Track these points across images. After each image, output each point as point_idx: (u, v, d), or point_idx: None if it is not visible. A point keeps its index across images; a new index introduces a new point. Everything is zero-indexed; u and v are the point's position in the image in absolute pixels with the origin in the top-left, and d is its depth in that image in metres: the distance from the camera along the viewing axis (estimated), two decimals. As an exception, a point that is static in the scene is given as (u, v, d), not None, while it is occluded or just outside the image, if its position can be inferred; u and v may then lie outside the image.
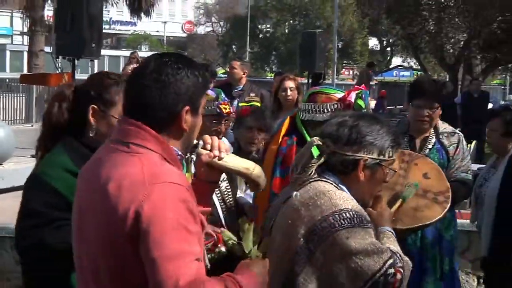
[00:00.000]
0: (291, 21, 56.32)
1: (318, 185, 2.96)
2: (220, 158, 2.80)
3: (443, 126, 5.42)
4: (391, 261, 2.82)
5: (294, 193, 3.00)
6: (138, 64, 13.28)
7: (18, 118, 21.74)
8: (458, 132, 5.48)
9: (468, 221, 6.59)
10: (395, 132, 3.19)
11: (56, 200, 3.04)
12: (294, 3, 55.69)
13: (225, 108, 4.89)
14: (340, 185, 3.01)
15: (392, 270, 2.81)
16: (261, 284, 2.59)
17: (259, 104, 8.54)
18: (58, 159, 3.16)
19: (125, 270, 2.42)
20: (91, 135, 3.23)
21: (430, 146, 5.25)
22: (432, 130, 5.33)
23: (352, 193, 3.01)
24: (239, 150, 5.34)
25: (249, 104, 8.00)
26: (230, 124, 5.50)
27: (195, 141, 2.83)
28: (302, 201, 2.95)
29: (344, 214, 2.84)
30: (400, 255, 2.92)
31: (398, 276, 2.83)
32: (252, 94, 9.03)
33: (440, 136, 5.34)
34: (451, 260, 5.34)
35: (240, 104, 7.80)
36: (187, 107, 2.52)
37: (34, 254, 3.06)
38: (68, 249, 2.79)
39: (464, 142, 5.39)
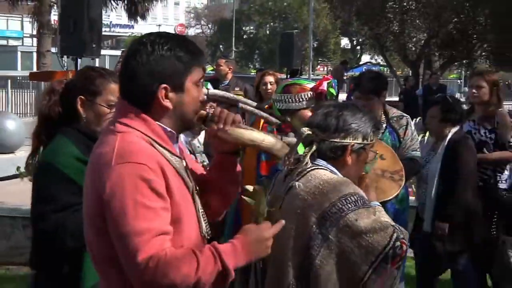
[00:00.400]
0: (271, 23, 56.35)
1: (319, 174, 2.94)
2: (223, 130, 2.61)
3: (392, 111, 5.40)
4: (395, 234, 2.81)
5: (296, 183, 2.94)
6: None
7: (28, 111, 21.61)
8: (406, 115, 5.44)
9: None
10: (374, 118, 3.18)
11: (70, 186, 3.01)
12: (274, 8, 55.90)
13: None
14: (330, 168, 2.99)
15: (398, 243, 2.80)
16: (256, 250, 2.43)
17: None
18: (66, 148, 3.12)
19: (106, 246, 2.35)
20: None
21: (382, 130, 5.18)
22: (383, 116, 5.30)
23: (342, 175, 3.01)
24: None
25: None
26: None
27: (202, 112, 2.64)
28: (307, 190, 2.91)
29: (349, 198, 2.83)
30: (399, 227, 2.90)
31: (404, 247, 2.82)
32: (236, 88, 9.05)
33: (391, 121, 5.31)
34: (404, 227, 5.35)
35: None
36: (163, 85, 2.40)
37: (53, 235, 3.01)
38: (81, 230, 2.79)
39: (412, 124, 5.36)
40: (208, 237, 2.58)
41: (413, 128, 5.37)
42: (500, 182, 5.90)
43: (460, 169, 5.39)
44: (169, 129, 2.46)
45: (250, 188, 2.72)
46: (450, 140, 5.49)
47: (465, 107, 6.54)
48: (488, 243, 5.78)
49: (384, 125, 5.26)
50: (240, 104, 3.28)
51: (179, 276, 2.23)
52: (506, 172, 5.95)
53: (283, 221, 2.53)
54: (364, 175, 3.26)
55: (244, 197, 2.68)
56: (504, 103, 6.31)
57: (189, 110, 2.51)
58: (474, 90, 5.86)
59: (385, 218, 2.94)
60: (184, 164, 2.53)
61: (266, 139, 2.84)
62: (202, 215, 2.55)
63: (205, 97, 2.85)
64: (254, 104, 3.08)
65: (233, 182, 2.80)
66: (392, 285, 2.85)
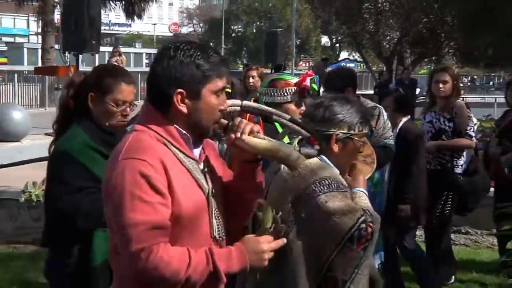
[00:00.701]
0: (258, 23, 56.38)
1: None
2: (240, 140, 2.49)
3: (366, 103, 5.35)
4: (363, 217, 2.78)
5: (282, 166, 2.94)
6: (119, 57, 13.01)
7: (33, 103, 21.45)
8: (379, 106, 5.44)
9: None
10: (364, 110, 3.14)
11: (82, 171, 2.98)
12: (260, 8, 56.14)
13: None
14: (321, 155, 2.98)
15: (364, 225, 2.77)
16: (251, 260, 2.35)
17: (229, 90, 8.57)
18: (80, 137, 3.06)
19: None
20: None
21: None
22: None
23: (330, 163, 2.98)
24: None
25: None
26: None
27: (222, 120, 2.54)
28: (289, 172, 2.91)
29: (323, 181, 2.81)
30: (370, 212, 2.87)
31: (369, 229, 2.79)
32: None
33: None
34: (380, 208, 5.35)
35: None
36: (179, 90, 2.32)
37: (67, 215, 2.98)
38: (92, 212, 2.78)
39: (384, 114, 5.33)
40: (221, 240, 2.49)
41: (385, 118, 5.35)
42: (456, 166, 5.96)
43: (413, 155, 5.46)
44: (184, 132, 2.38)
45: (261, 201, 2.67)
46: (401, 128, 5.56)
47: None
48: (442, 223, 5.90)
49: None
50: (274, 116, 3.22)
51: (169, 271, 2.20)
52: (463, 158, 6.01)
53: (284, 239, 2.46)
54: (355, 163, 3.21)
55: (255, 210, 2.58)
56: (469, 96, 6.40)
57: (204, 117, 2.41)
58: (440, 85, 5.89)
59: (362, 202, 2.93)
60: (202, 167, 2.45)
61: (282, 149, 2.78)
62: (216, 217, 2.46)
63: (238, 108, 2.95)
64: (288, 117, 3.01)
65: (254, 190, 2.66)
66: (358, 265, 2.83)
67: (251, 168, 2.63)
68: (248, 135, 2.53)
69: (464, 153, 6.07)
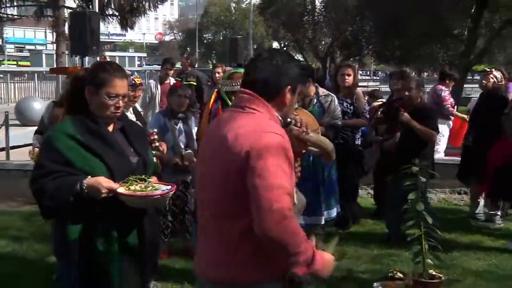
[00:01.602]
0: (223, 32, 56.03)
1: None
2: (307, 133, 2.55)
3: (322, 91, 5.42)
4: None
5: None
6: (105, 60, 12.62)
7: (50, 96, 21.24)
8: (332, 94, 5.47)
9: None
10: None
11: (57, 157, 2.59)
12: (225, 20, 55.97)
13: (138, 80, 4.98)
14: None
15: None
16: (327, 270, 2.15)
17: (195, 83, 8.64)
18: (63, 126, 2.70)
19: (236, 197, 2.09)
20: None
21: (313, 104, 5.28)
22: (315, 95, 5.32)
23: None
24: (171, 111, 5.15)
25: (188, 83, 8.15)
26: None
27: (288, 119, 2.51)
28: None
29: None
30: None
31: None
32: (190, 78, 9.01)
33: (320, 98, 5.33)
34: (330, 172, 5.36)
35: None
36: (289, 87, 2.20)
37: (37, 195, 2.62)
38: (58, 193, 2.52)
39: (335, 100, 5.38)
40: None
41: (336, 103, 5.39)
42: (356, 139, 6.08)
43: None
44: (280, 117, 2.25)
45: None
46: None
47: None
48: (348, 182, 5.92)
49: (315, 101, 5.31)
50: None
51: (293, 240, 2.03)
52: (359, 133, 6.17)
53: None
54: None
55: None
56: (382, 86, 6.44)
57: (290, 110, 2.35)
58: (346, 77, 5.98)
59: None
60: None
61: (328, 143, 2.96)
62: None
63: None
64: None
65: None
66: None
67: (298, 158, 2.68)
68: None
69: (361, 129, 6.22)
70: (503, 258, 5.30)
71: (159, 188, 2.66)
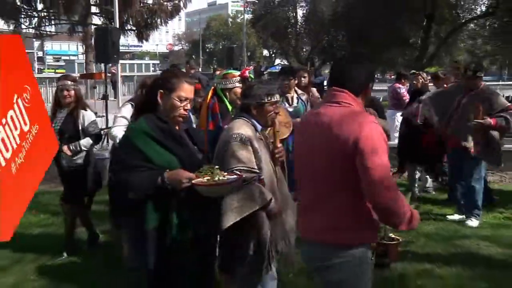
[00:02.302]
0: (222, 42, 55.77)
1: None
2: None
3: (299, 91, 5.34)
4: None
5: (225, 126, 2.80)
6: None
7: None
8: (312, 94, 5.49)
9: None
10: (271, 88, 2.82)
11: (136, 153, 2.40)
12: (224, 32, 55.87)
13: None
14: (251, 119, 2.74)
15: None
16: (412, 226, 2.12)
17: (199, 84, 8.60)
18: (140, 125, 2.48)
19: (345, 176, 2.06)
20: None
21: (296, 101, 5.18)
22: (295, 94, 5.22)
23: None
24: None
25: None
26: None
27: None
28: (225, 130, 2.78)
29: (233, 136, 2.63)
30: (249, 168, 2.56)
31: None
32: (193, 79, 9.00)
33: (300, 96, 5.24)
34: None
35: None
36: (370, 84, 2.20)
37: (120, 188, 2.47)
38: (140, 185, 2.34)
39: (320, 100, 5.40)
40: None
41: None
42: None
43: None
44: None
45: None
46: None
47: None
48: None
49: (296, 99, 5.18)
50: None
51: (401, 205, 2.03)
52: None
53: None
54: (275, 122, 2.94)
55: None
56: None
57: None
58: (302, 79, 5.76)
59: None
60: None
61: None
62: None
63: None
64: None
65: None
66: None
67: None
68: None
69: None
70: (448, 223, 5.33)
71: (226, 177, 2.39)
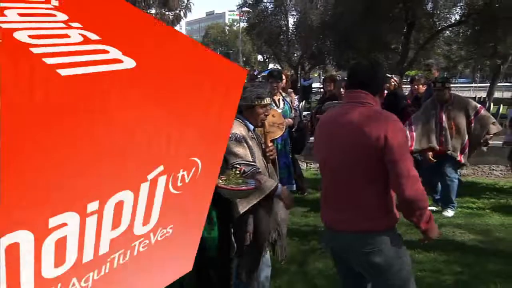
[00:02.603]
0: (220, 48, 55.56)
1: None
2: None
3: (284, 93, 5.32)
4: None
5: None
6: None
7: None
8: (290, 95, 5.43)
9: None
10: (261, 91, 2.75)
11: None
12: (221, 39, 55.52)
13: None
14: (244, 120, 2.72)
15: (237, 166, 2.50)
16: (431, 231, 2.16)
17: None
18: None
19: (371, 169, 2.07)
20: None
21: (282, 103, 5.15)
22: (281, 96, 5.20)
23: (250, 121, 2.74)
24: None
25: None
26: None
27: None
28: None
29: (231, 135, 2.58)
30: (246, 162, 2.54)
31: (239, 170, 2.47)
32: None
33: (285, 98, 5.23)
34: (291, 154, 5.38)
35: None
36: (386, 85, 2.27)
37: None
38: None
39: (296, 100, 5.37)
40: None
41: (297, 102, 5.43)
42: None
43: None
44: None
45: None
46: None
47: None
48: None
49: (281, 102, 5.15)
50: None
51: (426, 204, 2.06)
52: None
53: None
54: (264, 122, 2.86)
55: None
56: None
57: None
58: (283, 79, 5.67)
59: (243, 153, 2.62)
60: None
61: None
62: None
63: None
64: None
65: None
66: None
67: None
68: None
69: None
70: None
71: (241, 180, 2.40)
